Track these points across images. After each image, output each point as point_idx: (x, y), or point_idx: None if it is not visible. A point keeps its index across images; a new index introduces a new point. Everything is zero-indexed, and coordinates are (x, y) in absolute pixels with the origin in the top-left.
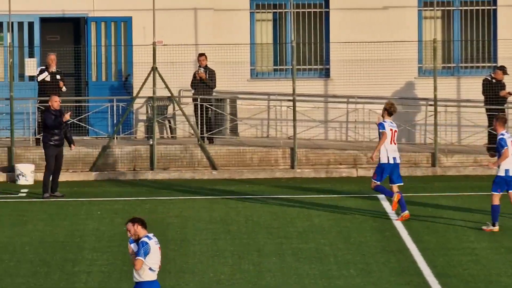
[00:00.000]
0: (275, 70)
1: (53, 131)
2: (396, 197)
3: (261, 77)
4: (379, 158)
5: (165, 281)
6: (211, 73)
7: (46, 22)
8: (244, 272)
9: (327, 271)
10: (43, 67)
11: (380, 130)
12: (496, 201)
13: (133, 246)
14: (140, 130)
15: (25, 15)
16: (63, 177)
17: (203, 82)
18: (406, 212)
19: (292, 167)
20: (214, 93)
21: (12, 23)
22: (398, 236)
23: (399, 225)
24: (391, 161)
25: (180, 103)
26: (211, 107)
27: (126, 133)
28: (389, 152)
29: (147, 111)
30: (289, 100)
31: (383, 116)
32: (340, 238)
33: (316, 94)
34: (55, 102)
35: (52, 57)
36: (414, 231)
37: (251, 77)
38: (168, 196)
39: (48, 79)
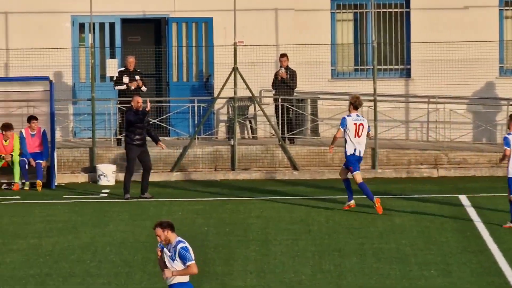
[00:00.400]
0: (355, 70)
1: (135, 131)
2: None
3: (341, 77)
4: (346, 151)
5: (246, 281)
6: (292, 74)
7: (127, 23)
8: (325, 272)
9: (408, 271)
10: (122, 69)
11: (339, 126)
12: None
13: (166, 251)
14: (221, 131)
15: (107, 16)
16: None
17: (284, 83)
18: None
19: (373, 167)
20: (295, 93)
21: (94, 24)
22: (479, 236)
23: (480, 226)
24: (357, 154)
25: (261, 104)
26: (292, 107)
27: (207, 133)
28: (355, 145)
29: (228, 112)
30: (370, 100)
31: (349, 110)
32: (420, 238)
33: (397, 94)
34: (138, 102)
35: (131, 59)
36: (495, 231)
37: (331, 77)
38: (249, 197)
39: (125, 84)
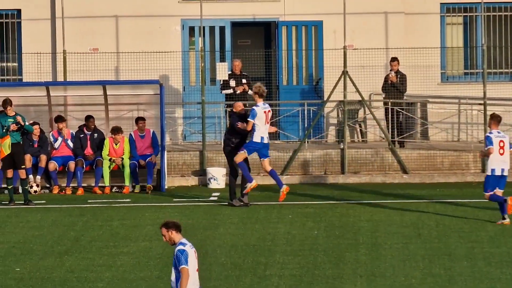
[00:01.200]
0: (465, 73)
1: (237, 135)
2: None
3: (451, 81)
4: (252, 138)
5: (356, 285)
6: (402, 77)
7: (237, 26)
8: (435, 276)
9: None
10: (229, 72)
11: (249, 119)
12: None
13: None
14: (331, 134)
15: (217, 19)
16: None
17: (394, 86)
18: (285, 187)
19: (483, 171)
20: (405, 97)
21: (204, 27)
22: None
23: None
24: (265, 141)
25: (371, 107)
26: (402, 111)
27: (317, 137)
28: (261, 133)
29: (337, 115)
30: (480, 104)
31: (255, 100)
32: None
33: (507, 98)
34: (238, 107)
35: (236, 63)
36: None
37: (441, 80)
38: (359, 200)
39: (231, 88)
